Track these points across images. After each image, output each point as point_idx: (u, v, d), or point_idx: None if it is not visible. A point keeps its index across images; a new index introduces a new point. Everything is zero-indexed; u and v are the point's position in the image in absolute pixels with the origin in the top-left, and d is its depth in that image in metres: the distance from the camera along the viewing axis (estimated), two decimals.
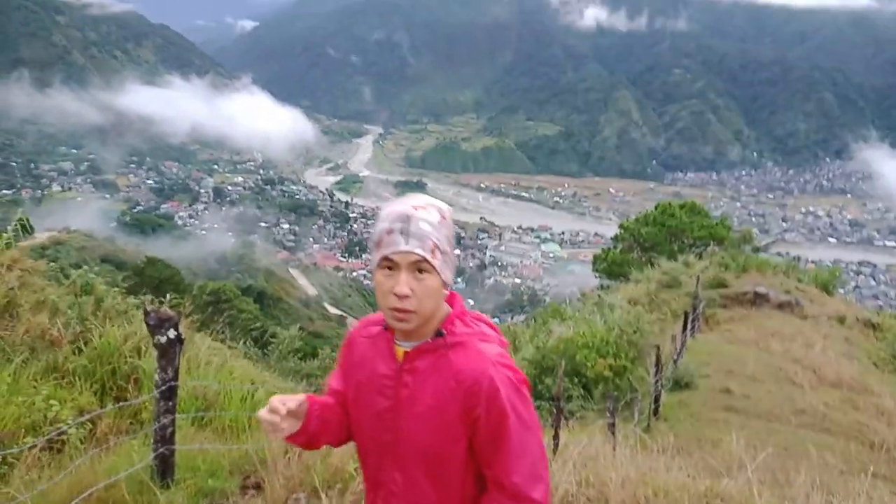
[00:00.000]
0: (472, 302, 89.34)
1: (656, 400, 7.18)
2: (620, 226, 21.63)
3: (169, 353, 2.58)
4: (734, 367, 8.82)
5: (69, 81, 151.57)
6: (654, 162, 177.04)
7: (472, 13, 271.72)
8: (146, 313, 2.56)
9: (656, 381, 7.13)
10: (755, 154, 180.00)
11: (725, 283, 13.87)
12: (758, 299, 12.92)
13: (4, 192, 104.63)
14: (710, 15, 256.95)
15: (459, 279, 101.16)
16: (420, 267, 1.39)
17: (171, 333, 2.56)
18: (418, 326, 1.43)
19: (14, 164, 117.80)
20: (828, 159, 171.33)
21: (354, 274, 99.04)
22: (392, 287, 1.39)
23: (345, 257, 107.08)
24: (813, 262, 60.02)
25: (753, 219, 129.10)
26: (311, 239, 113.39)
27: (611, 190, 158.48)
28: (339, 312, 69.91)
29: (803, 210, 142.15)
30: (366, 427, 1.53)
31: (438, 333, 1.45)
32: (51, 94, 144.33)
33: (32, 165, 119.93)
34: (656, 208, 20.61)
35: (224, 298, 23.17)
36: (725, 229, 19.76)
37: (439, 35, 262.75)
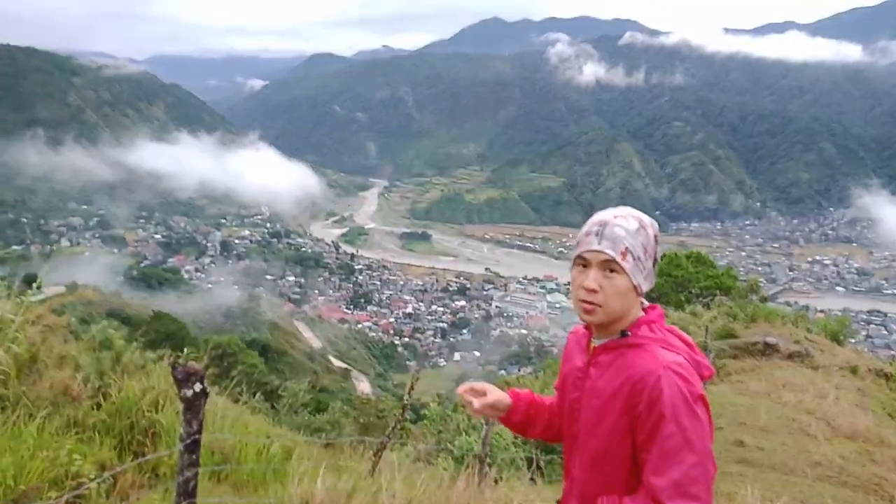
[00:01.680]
0: (477, 354, 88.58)
1: None
2: None
3: (194, 406, 2.65)
4: (746, 419, 8.72)
5: (81, 139, 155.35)
6: (657, 212, 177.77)
7: (475, 70, 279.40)
8: (173, 367, 2.65)
9: None
10: (758, 204, 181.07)
11: (734, 334, 13.81)
12: (768, 349, 12.84)
13: (15, 247, 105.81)
14: (708, 70, 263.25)
15: (465, 330, 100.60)
16: (611, 267, 1.53)
17: (197, 387, 2.63)
18: (606, 323, 1.56)
19: (25, 219, 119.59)
20: (831, 208, 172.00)
21: (359, 326, 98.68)
22: (582, 282, 1.56)
23: (350, 309, 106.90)
24: (822, 311, 59.52)
25: (759, 268, 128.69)
26: (316, 291, 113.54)
27: None
28: (343, 365, 69.41)
29: (809, 259, 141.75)
30: (564, 416, 1.69)
31: (623, 333, 1.56)
32: (63, 152, 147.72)
33: (42, 221, 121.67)
34: (662, 258, 20.66)
35: (229, 352, 23.13)
36: (732, 279, 19.77)
37: (443, 91, 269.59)
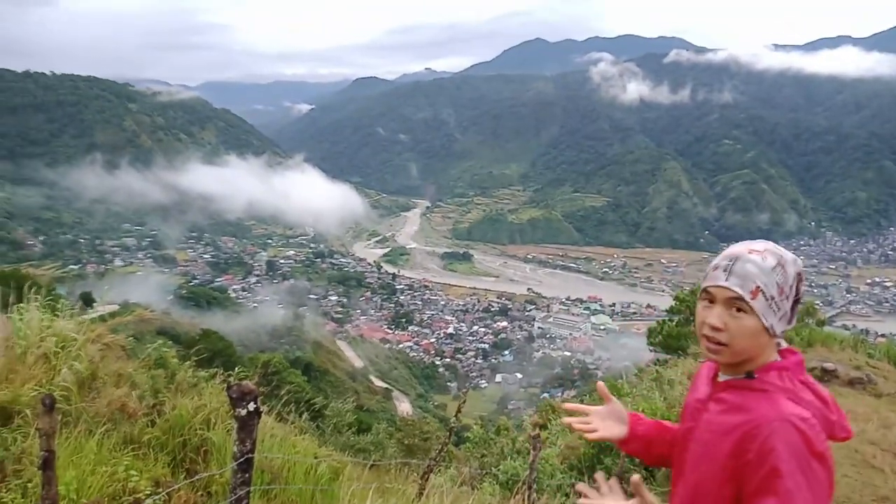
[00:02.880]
0: (519, 376, 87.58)
1: None
2: (675, 297, 21.11)
3: (248, 425, 2.69)
4: None
5: (136, 163, 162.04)
6: (706, 232, 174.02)
7: (517, 90, 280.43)
8: (229, 387, 2.70)
9: None
10: (813, 224, 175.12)
11: None
12: (826, 375, 12.28)
13: (72, 266, 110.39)
14: (758, 87, 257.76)
15: (507, 351, 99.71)
16: (738, 305, 1.44)
17: (251, 406, 2.68)
18: (732, 362, 1.49)
19: (82, 240, 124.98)
20: (892, 228, 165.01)
21: (401, 346, 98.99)
22: (705, 318, 1.48)
23: (391, 329, 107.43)
24: (883, 335, 56.86)
25: (815, 290, 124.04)
26: (358, 310, 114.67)
27: (662, 261, 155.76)
28: (384, 385, 69.62)
29: (868, 281, 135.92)
30: (676, 444, 1.63)
31: (749, 374, 1.47)
32: (119, 175, 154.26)
33: (98, 241, 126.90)
34: None
35: (273, 371, 23.49)
36: None
37: (485, 112, 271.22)
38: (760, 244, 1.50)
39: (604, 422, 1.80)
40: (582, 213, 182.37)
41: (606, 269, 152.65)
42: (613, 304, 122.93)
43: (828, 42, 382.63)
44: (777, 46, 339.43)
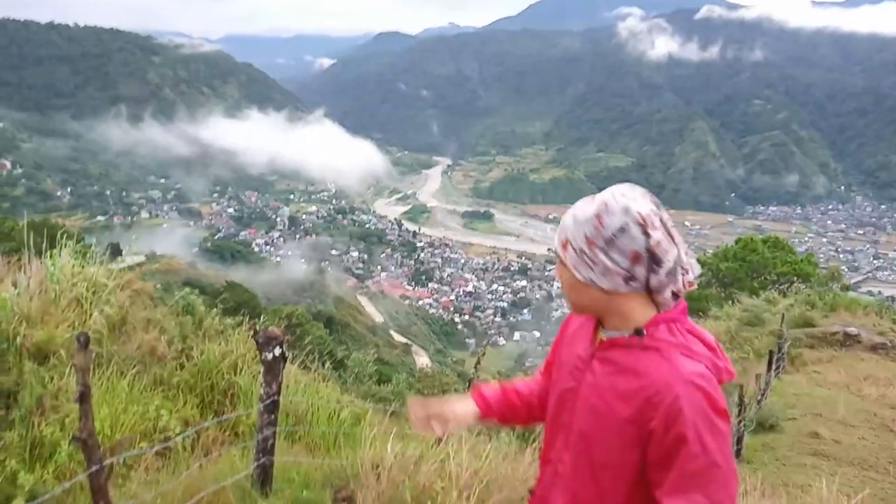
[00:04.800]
0: (537, 334, 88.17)
1: (738, 441, 6.91)
2: (697, 260, 20.76)
3: (274, 369, 2.77)
4: (823, 411, 8.37)
5: (159, 116, 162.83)
6: (732, 195, 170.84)
7: (542, 46, 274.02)
8: (255, 332, 2.77)
9: (739, 422, 6.87)
10: (843, 188, 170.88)
11: (812, 323, 13.19)
12: (848, 340, 12.22)
13: (99, 217, 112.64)
14: (793, 45, 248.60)
15: (525, 310, 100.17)
16: (560, 258, 1.42)
17: (277, 351, 2.75)
18: (582, 312, 1.46)
19: (108, 192, 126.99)
20: None
21: (420, 302, 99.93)
22: None
23: (411, 286, 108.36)
24: None
25: (841, 255, 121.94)
26: (379, 267, 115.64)
27: (686, 223, 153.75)
28: (404, 340, 70.59)
29: None
30: (552, 402, 1.54)
31: (638, 332, 1.37)
32: (143, 128, 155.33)
33: (124, 194, 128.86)
34: (737, 243, 19.94)
35: (296, 323, 23.94)
36: (811, 266, 18.86)
37: (509, 68, 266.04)
38: (607, 192, 1.39)
39: (450, 412, 1.74)
40: (605, 174, 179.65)
41: None
42: None
43: None
44: (815, 3, 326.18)
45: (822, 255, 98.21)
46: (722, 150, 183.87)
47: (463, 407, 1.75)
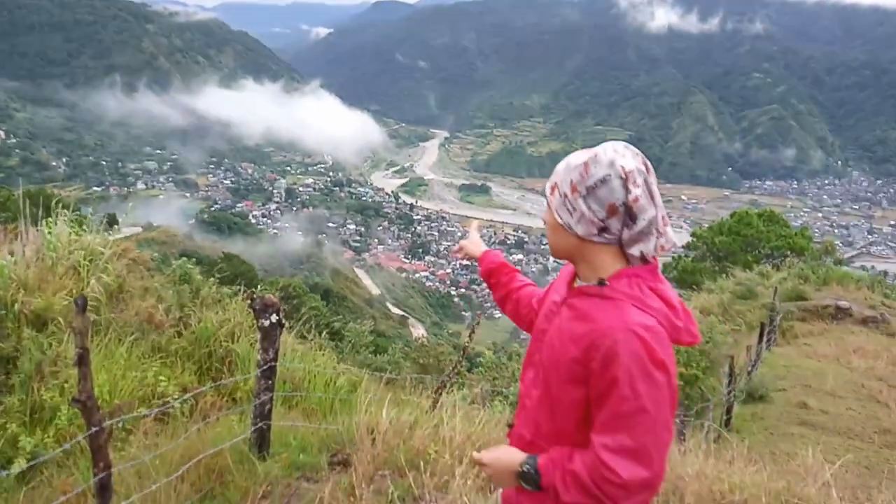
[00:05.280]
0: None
1: (728, 411, 7.03)
2: (693, 234, 21.04)
3: (271, 335, 2.81)
4: (812, 382, 8.50)
5: (154, 85, 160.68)
6: (729, 169, 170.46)
7: (541, 17, 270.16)
8: (252, 299, 2.80)
9: (729, 392, 6.98)
10: (839, 162, 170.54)
11: (804, 296, 13.31)
12: (839, 313, 12.35)
13: (95, 188, 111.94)
14: (794, 17, 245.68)
15: None
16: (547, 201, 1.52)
17: (274, 318, 2.79)
18: (558, 256, 1.55)
19: (104, 162, 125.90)
20: None
21: (417, 275, 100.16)
22: None
23: (408, 259, 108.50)
24: None
25: (836, 230, 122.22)
26: (375, 240, 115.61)
27: (683, 197, 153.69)
28: (400, 313, 70.98)
29: (893, 222, 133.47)
30: (530, 342, 1.67)
31: (601, 282, 1.46)
32: (138, 98, 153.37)
33: (120, 164, 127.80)
34: (732, 216, 19.97)
35: (293, 294, 24.03)
36: (806, 240, 18.92)
37: (507, 39, 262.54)
38: (605, 145, 1.49)
39: (465, 245, 2.13)
40: None
41: None
42: None
43: None
44: None
45: (817, 230, 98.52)
46: (720, 124, 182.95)
47: (473, 248, 2.11)
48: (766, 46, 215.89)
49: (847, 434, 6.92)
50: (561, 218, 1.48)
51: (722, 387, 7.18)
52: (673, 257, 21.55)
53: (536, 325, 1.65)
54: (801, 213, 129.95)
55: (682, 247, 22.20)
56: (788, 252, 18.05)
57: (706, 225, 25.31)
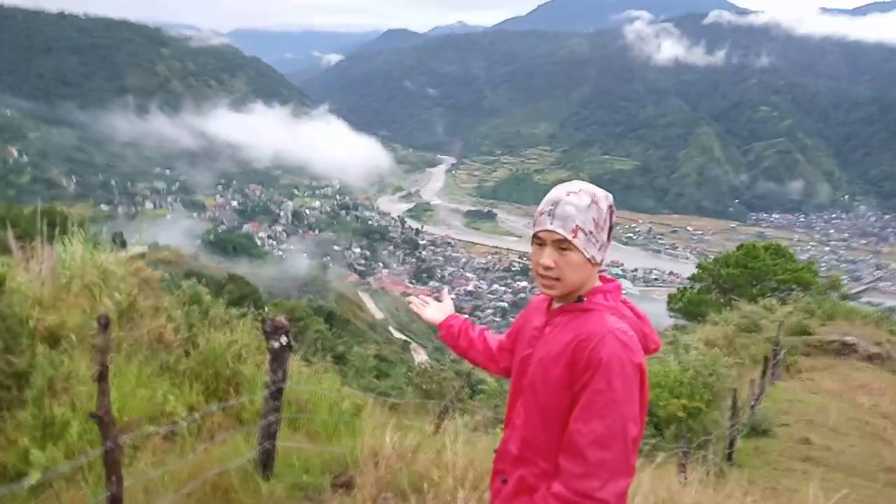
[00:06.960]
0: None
1: (731, 445, 7.01)
2: (699, 265, 21.08)
3: (280, 357, 2.88)
4: (815, 418, 8.47)
5: (166, 107, 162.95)
6: (736, 201, 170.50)
7: (550, 48, 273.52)
8: (263, 321, 2.88)
9: (732, 426, 6.96)
10: (846, 197, 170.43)
11: (809, 331, 13.29)
12: (844, 349, 12.32)
13: (103, 206, 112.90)
14: (800, 52, 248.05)
15: None
16: (562, 245, 1.61)
17: (283, 340, 2.86)
18: (565, 294, 1.67)
19: (113, 182, 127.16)
20: None
21: None
22: (538, 259, 1.66)
23: (412, 283, 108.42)
24: None
25: (843, 265, 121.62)
26: (381, 264, 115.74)
27: (689, 228, 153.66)
28: (403, 337, 70.62)
29: None
30: (514, 370, 1.80)
31: (579, 299, 1.67)
32: (149, 120, 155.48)
33: (129, 184, 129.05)
34: (739, 249, 20.00)
35: (297, 317, 24.07)
36: (812, 274, 18.92)
37: (516, 69, 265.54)
38: (576, 185, 1.68)
39: (433, 309, 2.33)
40: (609, 177, 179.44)
41: (631, 234, 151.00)
42: (636, 270, 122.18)
43: (879, 6, 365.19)
44: (824, 10, 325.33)
45: (823, 264, 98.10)
46: (727, 156, 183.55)
47: (433, 314, 2.30)
48: (773, 80, 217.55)
49: (850, 471, 6.88)
50: (588, 253, 1.62)
51: (725, 420, 7.16)
52: (679, 289, 21.55)
53: (517, 354, 1.80)
54: (809, 247, 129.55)
55: (688, 278, 22.22)
56: (795, 286, 18.04)
57: (712, 256, 25.33)
